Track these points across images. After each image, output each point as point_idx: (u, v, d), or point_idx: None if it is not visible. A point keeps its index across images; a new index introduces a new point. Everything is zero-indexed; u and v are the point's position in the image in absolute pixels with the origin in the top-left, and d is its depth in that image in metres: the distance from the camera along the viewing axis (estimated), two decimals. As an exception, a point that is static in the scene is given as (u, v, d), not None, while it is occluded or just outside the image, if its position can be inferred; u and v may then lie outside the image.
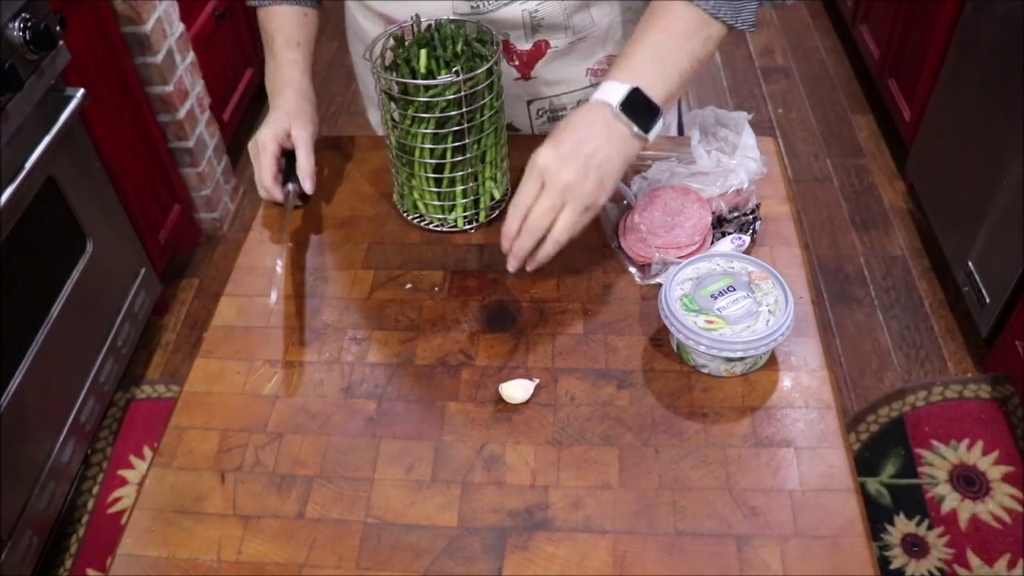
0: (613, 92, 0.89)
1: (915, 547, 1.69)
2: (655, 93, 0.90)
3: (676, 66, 0.92)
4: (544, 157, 0.87)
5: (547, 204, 0.87)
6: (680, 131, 1.30)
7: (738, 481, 0.79)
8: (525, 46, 1.05)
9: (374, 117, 1.32)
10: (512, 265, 0.92)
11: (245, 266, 1.05)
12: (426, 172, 1.00)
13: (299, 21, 1.14)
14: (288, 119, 1.06)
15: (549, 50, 1.06)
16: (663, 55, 0.91)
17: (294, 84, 1.10)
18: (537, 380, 0.89)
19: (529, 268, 0.92)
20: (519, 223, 0.89)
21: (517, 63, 1.07)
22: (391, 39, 1.00)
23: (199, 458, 0.85)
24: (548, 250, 0.90)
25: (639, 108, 0.89)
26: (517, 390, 0.87)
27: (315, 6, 1.16)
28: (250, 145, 1.08)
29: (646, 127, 0.90)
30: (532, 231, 0.89)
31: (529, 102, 1.13)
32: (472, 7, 1.00)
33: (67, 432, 1.74)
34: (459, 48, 0.95)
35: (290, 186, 1.06)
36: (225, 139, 2.48)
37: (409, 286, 1.00)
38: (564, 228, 0.88)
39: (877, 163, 2.62)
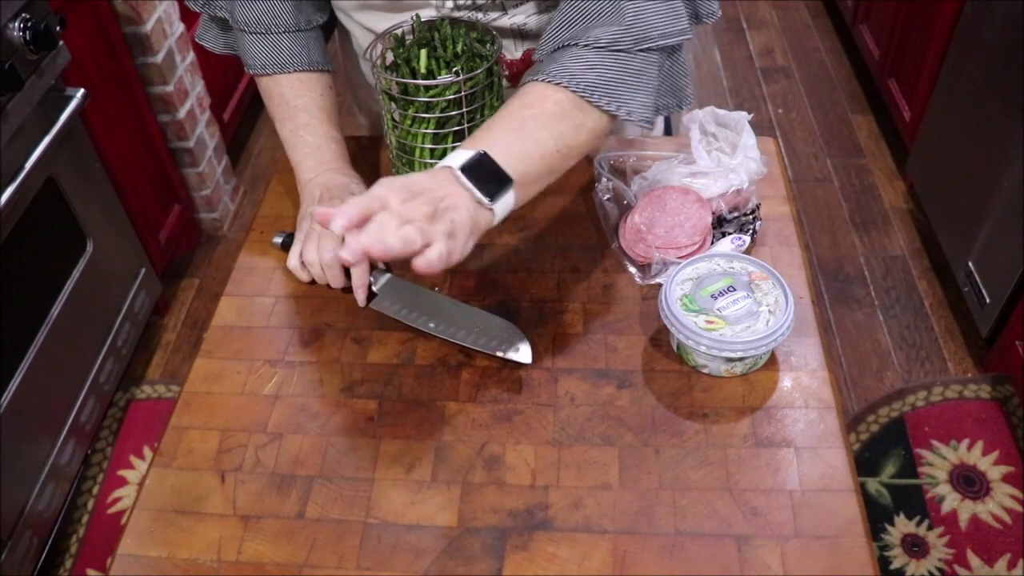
0: (457, 157, 0.79)
1: (915, 547, 1.68)
2: (509, 165, 0.80)
3: (538, 144, 0.83)
4: (382, 186, 0.75)
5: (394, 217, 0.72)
6: (668, 130, 1.29)
7: (738, 481, 0.79)
8: (515, 55, 1.05)
9: (363, 121, 1.31)
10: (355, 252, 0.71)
11: (245, 266, 1.05)
12: (426, 172, 1.00)
13: (331, 98, 1.05)
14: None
15: None
16: (525, 131, 0.83)
17: (349, 167, 1.04)
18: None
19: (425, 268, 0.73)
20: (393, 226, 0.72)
21: (507, 72, 1.07)
22: (391, 39, 1.00)
23: (199, 458, 0.85)
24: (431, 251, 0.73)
25: (485, 175, 0.79)
26: None
27: (333, 71, 1.08)
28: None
29: (490, 194, 0.79)
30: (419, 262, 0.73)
31: None
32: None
33: (67, 432, 1.74)
34: (459, 48, 0.95)
35: (371, 276, 0.97)
36: (225, 139, 2.48)
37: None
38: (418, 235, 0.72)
39: (877, 163, 2.62)
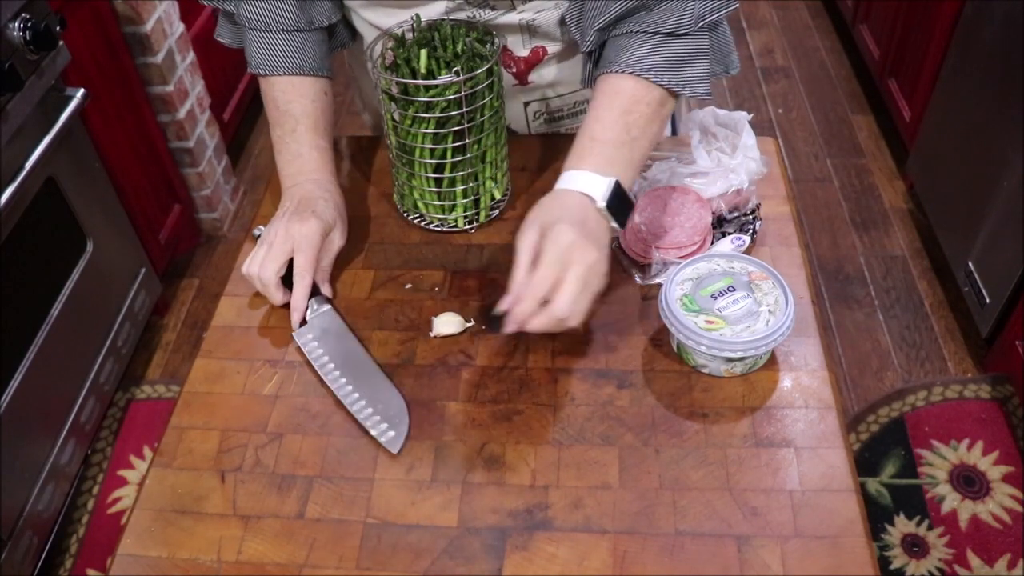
0: (596, 186, 0.85)
1: (915, 547, 1.68)
2: (628, 182, 0.88)
3: (642, 154, 0.91)
4: (569, 235, 0.80)
5: (576, 284, 0.80)
6: (674, 131, 1.30)
7: (738, 481, 0.79)
8: (523, 52, 1.04)
9: (368, 119, 1.31)
10: (511, 328, 0.82)
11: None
12: (426, 172, 1.00)
13: (323, 105, 1.05)
14: (333, 220, 0.98)
15: (546, 56, 1.05)
16: (633, 144, 0.89)
17: (327, 178, 1.03)
18: (471, 322, 0.93)
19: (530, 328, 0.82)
20: (536, 305, 0.80)
21: (515, 69, 1.06)
22: (391, 39, 1.00)
23: (199, 458, 0.85)
24: (541, 322, 0.81)
25: (619, 204, 0.86)
26: (447, 325, 0.92)
27: (331, 77, 1.08)
28: (276, 232, 0.95)
29: (622, 222, 0.87)
30: (559, 313, 0.80)
31: (526, 103, 1.12)
32: (469, 16, 1.00)
33: (67, 432, 1.74)
34: (459, 48, 0.95)
35: (314, 302, 0.96)
36: (225, 139, 2.48)
37: (409, 286, 1.00)
38: (575, 309, 0.81)
39: (877, 163, 2.62)
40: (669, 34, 0.91)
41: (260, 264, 0.95)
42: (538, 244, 0.81)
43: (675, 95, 0.93)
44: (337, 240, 1.00)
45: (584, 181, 0.86)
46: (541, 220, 0.83)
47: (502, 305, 0.82)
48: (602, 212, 0.85)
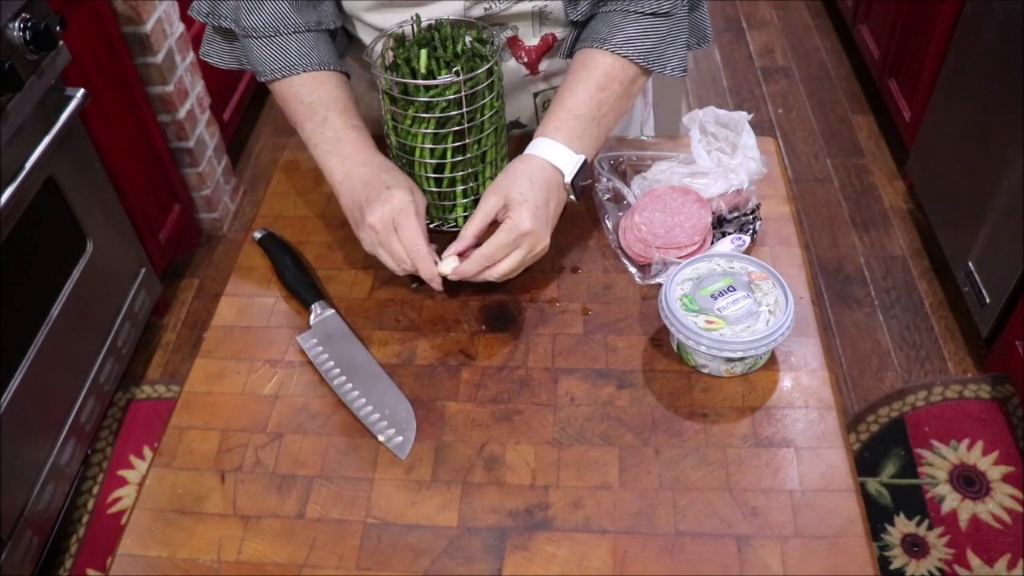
0: (567, 161, 0.93)
1: (915, 547, 1.69)
2: (590, 156, 0.97)
3: (608, 128, 0.98)
4: (528, 223, 0.89)
5: (516, 263, 0.90)
6: (664, 130, 1.31)
7: (738, 481, 0.79)
8: (533, 41, 1.05)
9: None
10: (437, 284, 0.92)
11: (245, 266, 1.05)
12: (426, 172, 1.00)
13: (347, 91, 1.01)
14: (409, 183, 0.94)
15: (556, 42, 1.06)
16: (602, 118, 0.96)
17: (375, 153, 0.98)
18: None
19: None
20: (480, 270, 0.90)
21: (526, 59, 1.07)
22: (391, 39, 1.00)
23: (199, 458, 0.85)
24: (477, 276, 0.91)
25: (579, 177, 0.95)
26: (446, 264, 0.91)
27: (348, 74, 1.04)
28: (374, 229, 0.90)
29: (579, 195, 0.96)
30: (491, 277, 0.91)
31: (535, 94, 1.13)
32: (486, 8, 1.00)
33: (67, 432, 1.74)
34: (459, 48, 0.95)
35: (317, 306, 0.96)
36: (225, 139, 2.48)
37: (415, 285, 1.00)
38: (510, 273, 0.91)
39: (877, 163, 2.62)
40: (657, 14, 0.96)
41: (402, 250, 0.91)
42: (498, 211, 0.90)
43: (650, 74, 0.99)
44: (421, 201, 0.94)
45: (556, 153, 0.93)
46: (508, 192, 0.90)
47: (449, 251, 0.91)
48: (566, 187, 0.94)
